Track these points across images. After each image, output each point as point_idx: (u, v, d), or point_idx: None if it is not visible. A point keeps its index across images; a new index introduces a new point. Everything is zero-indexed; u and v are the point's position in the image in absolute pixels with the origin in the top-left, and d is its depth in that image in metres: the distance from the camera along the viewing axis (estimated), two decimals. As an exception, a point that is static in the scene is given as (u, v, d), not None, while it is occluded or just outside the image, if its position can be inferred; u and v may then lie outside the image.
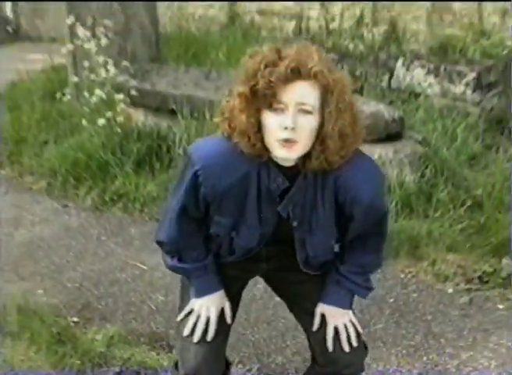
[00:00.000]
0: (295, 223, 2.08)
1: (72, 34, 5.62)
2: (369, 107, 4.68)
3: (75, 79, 5.66)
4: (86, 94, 5.26)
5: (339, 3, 7.85)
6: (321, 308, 2.25)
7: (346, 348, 2.20)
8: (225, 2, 8.74)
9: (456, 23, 7.19)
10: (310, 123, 1.88)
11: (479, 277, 3.77)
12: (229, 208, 2.06)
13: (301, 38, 7.77)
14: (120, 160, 4.92)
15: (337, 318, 2.24)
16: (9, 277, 3.90)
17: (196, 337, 2.17)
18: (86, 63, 5.29)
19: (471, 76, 5.52)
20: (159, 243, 2.24)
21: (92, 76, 5.22)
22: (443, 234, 4.04)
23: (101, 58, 5.22)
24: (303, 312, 2.34)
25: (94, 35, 5.40)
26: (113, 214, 4.68)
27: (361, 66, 5.95)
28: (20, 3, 11.31)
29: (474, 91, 5.49)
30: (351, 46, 6.93)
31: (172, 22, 8.78)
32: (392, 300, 3.63)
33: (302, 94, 1.87)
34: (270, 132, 1.90)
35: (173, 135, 5.00)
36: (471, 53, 6.39)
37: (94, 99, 5.16)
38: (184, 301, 2.30)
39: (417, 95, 5.61)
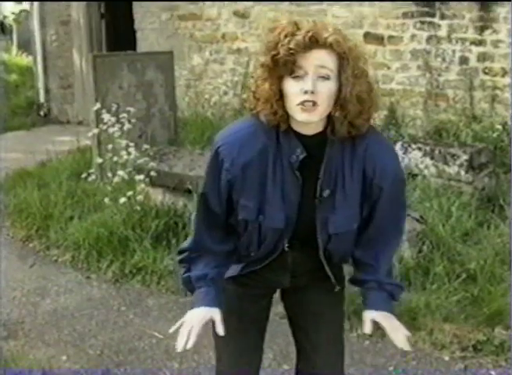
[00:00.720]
0: (327, 192, 2.03)
1: (98, 119, 5.76)
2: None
3: (99, 160, 5.77)
4: (109, 174, 5.36)
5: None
6: (371, 314, 2.17)
7: (407, 347, 2.11)
8: (238, 90, 8.89)
9: (450, 109, 7.31)
10: (328, 88, 1.92)
11: (473, 345, 3.78)
12: (252, 189, 2.04)
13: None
14: (139, 236, 4.98)
15: (390, 319, 2.17)
16: (35, 344, 3.94)
17: (179, 347, 2.06)
18: (109, 146, 5.41)
19: (464, 157, 5.58)
20: (180, 251, 2.22)
21: (115, 158, 5.32)
22: (440, 306, 4.06)
23: (123, 142, 5.34)
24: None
25: (118, 120, 5.53)
26: (132, 286, 4.71)
27: (363, 148, 6.01)
28: (52, 91, 11.56)
29: (467, 171, 5.55)
30: (354, 131, 7.01)
31: (189, 107, 8.94)
32: (391, 368, 3.64)
33: (320, 59, 1.91)
34: (291, 97, 1.93)
35: (189, 213, 5.06)
36: (464, 136, 6.49)
37: (116, 179, 5.26)
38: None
39: (414, 176, 5.68)
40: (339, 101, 1.94)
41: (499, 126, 6.49)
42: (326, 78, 1.92)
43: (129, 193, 5.11)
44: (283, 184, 2.03)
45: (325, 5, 8.09)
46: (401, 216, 2.23)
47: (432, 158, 5.71)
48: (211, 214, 2.13)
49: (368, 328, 2.16)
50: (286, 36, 1.91)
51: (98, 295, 4.61)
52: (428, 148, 5.78)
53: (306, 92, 1.89)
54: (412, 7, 7.55)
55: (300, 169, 2.02)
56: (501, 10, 7.02)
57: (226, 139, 2.05)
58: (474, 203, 5.26)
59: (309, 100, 1.90)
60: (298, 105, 1.91)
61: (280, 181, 2.03)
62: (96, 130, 5.81)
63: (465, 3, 7.22)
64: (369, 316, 2.16)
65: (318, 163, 2.03)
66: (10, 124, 10.81)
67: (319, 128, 2.01)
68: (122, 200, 5.10)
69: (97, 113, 5.81)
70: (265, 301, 2.39)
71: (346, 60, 1.93)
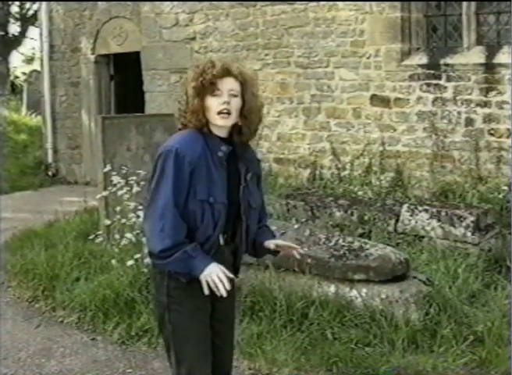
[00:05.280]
0: (249, 175, 2.93)
1: (107, 181, 5.85)
2: (377, 250, 4.80)
3: (107, 222, 5.84)
4: (116, 236, 5.43)
5: (350, 154, 8.14)
6: (272, 241, 3.06)
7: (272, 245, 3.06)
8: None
9: (456, 170, 7.39)
10: (237, 102, 2.84)
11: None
12: (202, 176, 2.77)
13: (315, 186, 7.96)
14: (146, 298, 5.01)
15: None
16: (40, 407, 3.95)
17: (223, 292, 2.66)
18: (117, 208, 5.49)
19: (470, 219, 5.65)
20: (162, 251, 2.71)
21: (123, 220, 5.40)
22: (447, 369, 4.08)
23: (132, 204, 5.42)
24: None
25: (127, 183, 5.62)
26: (138, 348, 4.72)
27: (370, 211, 6.10)
28: (61, 151, 11.76)
29: (473, 233, 5.61)
30: (360, 192, 7.13)
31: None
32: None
33: (231, 83, 2.84)
34: (213, 109, 2.81)
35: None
36: (470, 197, 6.56)
37: (123, 241, 5.33)
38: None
39: (421, 238, 5.74)
40: (243, 112, 2.85)
41: (505, 187, 6.57)
42: (235, 96, 2.84)
43: (137, 255, 5.18)
44: (219, 172, 2.83)
45: (331, 67, 8.28)
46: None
47: (438, 220, 5.77)
48: (176, 211, 2.73)
49: (273, 246, 3.04)
50: (208, 68, 2.82)
51: (104, 357, 4.63)
52: (434, 210, 5.85)
53: (224, 103, 2.80)
54: (418, 69, 7.72)
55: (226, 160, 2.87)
56: (505, 72, 7.16)
57: (179, 144, 2.79)
58: (480, 264, 5.31)
59: (225, 108, 2.80)
60: (218, 114, 2.80)
61: (217, 170, 2.82)
62: (105, 193, 5.89)
63: (470, 65, 7.37)
64: (271, 241, 3.06)
65: (234, 158, 2.89)
66: (18, 184, 10.97)
67: (227, 134, 2.88)
68: (130, 262, 5.16)
69: (106, 175, 5.90)
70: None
71: (246, 85, 2.87)
